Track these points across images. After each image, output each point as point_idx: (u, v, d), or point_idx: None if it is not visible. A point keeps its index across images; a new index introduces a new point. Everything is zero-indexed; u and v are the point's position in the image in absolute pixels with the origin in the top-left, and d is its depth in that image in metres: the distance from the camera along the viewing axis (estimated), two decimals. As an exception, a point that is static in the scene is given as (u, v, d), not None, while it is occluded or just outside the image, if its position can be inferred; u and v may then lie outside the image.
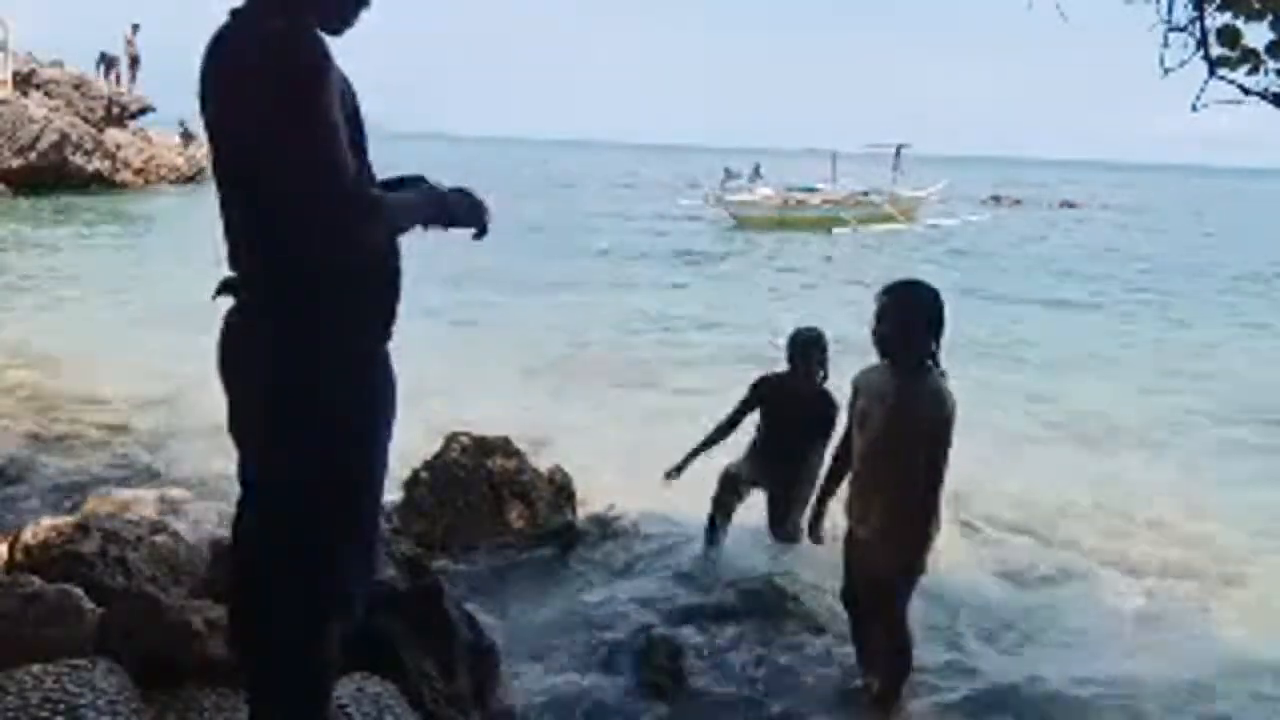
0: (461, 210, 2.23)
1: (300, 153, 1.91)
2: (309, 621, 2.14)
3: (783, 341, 4.73)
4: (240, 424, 2.17)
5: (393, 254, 2.18)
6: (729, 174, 30.44)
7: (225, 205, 2.10)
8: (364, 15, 2.20)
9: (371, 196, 2.04)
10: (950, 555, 4.96)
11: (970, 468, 5.97)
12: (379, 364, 2.16)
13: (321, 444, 2.07)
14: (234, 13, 2.06)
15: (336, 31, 2.15)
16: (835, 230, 26.06)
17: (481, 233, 2.28)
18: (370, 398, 2.14)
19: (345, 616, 2.20)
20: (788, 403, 4.66)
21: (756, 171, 31.00)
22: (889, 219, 27.82)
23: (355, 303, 2.08)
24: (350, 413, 2.09)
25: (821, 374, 4.62)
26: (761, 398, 4.75)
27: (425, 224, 2.19)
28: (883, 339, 3.26)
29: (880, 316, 3.26)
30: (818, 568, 4.81)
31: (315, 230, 1.97)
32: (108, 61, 29.85)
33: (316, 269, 2.01)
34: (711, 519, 4.78)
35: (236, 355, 2.13)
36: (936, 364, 3.23)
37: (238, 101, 1.99)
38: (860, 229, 26.30)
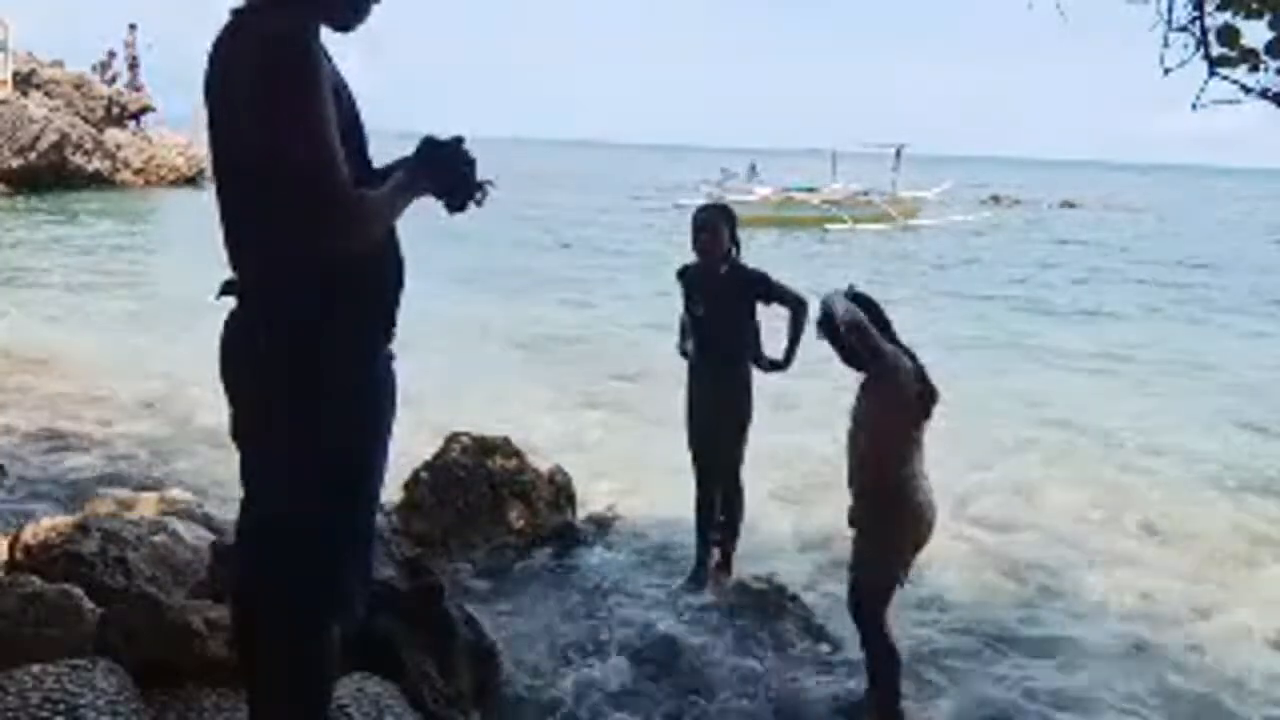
0: (439, 179, 2.15)
1: (290, 155, 1.90)
2: (309, 622, 2.14)
3: None
4: (241, 425, 2.16)
5: (391, 254, 2.17)
6: (725, 174, 30.47)
7: (224, 206, 2.10)
8: (370, 12, 2.18)
9: (360, 199, 2.00)
10: (948, 558, 4.97)
11: (967, 469, 6.02)
12: (378, 365, 2.15)
13: (319, 446, 2.06)
14: (235, 12, 2.06)
15: (346, 28, 2.15)
16: (830, 229, 26.13)
17: (472, 194, 2.18)
18: (369, 399, 2.13)
19: (345, 616, 2.20)
20: None
21: (752, 170, 31.00)
22: (886, 218, 27.89)
23: (352, 303, 2.07)
24: (348, 414, 2.08)
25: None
26: None
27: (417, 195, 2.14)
28: (845, 360, 3.35)
29: (832, 341, 3.34)
30: (819, 567, 4.82)
31: (304, 231, 1.96)
32: (104, 64, 29.83)
33: (310, 270, 2.00)
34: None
35: (236, 356, 2.13)
36: (894, 351, 3.25)
37: (233, 102, 1.99)
38: (857, 228, 26.37)
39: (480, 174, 2.22)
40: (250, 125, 1.95)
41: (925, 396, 3.20)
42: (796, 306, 4.40)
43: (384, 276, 2.16)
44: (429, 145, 2.18)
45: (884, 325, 3.29)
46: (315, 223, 1.94)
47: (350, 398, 2.09)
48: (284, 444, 2.09)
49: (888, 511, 3.30)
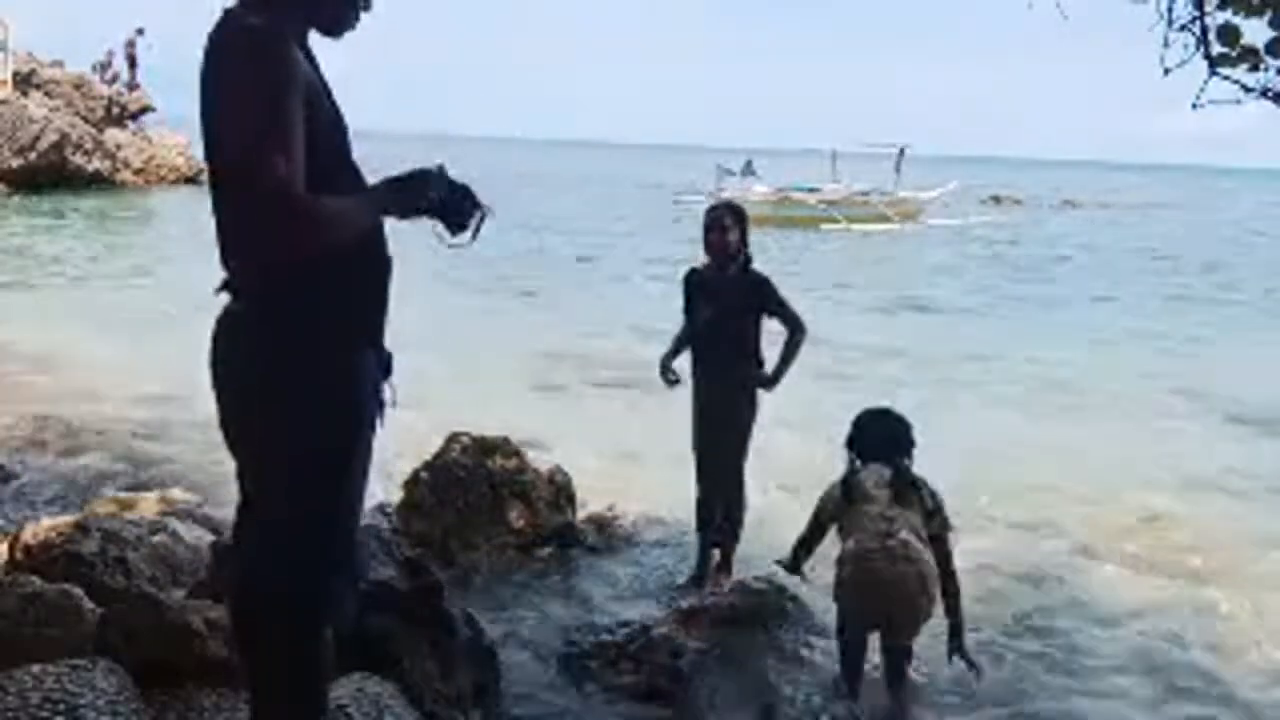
0: (398, 205, 2.13)
1: (249, 152, 1.89)
2: (307, 622, 2.14)
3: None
4: (228, 424, 2.16)
5: (375, 255, 2.16)
6: (720, 171, 30.52)
7: (213, 203, 2.10)
8: (364, 19, 2.18)
9: (310, 202, 1.93)
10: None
11: (963, 464, 6.00)
12: (363, 365, 2.13)
13: (302, 445, 2.06)
14: (225, 12, 2.06)
15: (333, 34, 2.14)
16: (825, 228, 26.19)
17: (467, 219, 2.16)
18: (353, 399, 2.11)
19: (337, 616, 2.20)
20: None
21: (749, 168, 31.03)
22: (883, 219, 27.91)
23: (335, 303, 2.05)
24: (331, 413, 2.08)
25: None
26: None
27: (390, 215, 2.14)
28: None
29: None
30: (821, 568, 4.81)
31: (260, 231, 1.94)
32: (104, 64, 29.83)
33: (278, 270, 2.00)
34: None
35: (220, 355, 2.13)
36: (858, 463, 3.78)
37: (211, 100, 2.00)
38: (853, 228, 26.41)
39: (482, 202, 2.19)
40: (221, 123, 1.97)
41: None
42: (795, 329, 4.40)
43: (368, 276, 2.15)
44: (404, 180, 2.15)
45: (881, 442, 3.74)
46: (265, 221, 1.92)
47: (333, 397, 2.08)
48: (268, 443, 2.09)
49: (838, 571, 3.61)
